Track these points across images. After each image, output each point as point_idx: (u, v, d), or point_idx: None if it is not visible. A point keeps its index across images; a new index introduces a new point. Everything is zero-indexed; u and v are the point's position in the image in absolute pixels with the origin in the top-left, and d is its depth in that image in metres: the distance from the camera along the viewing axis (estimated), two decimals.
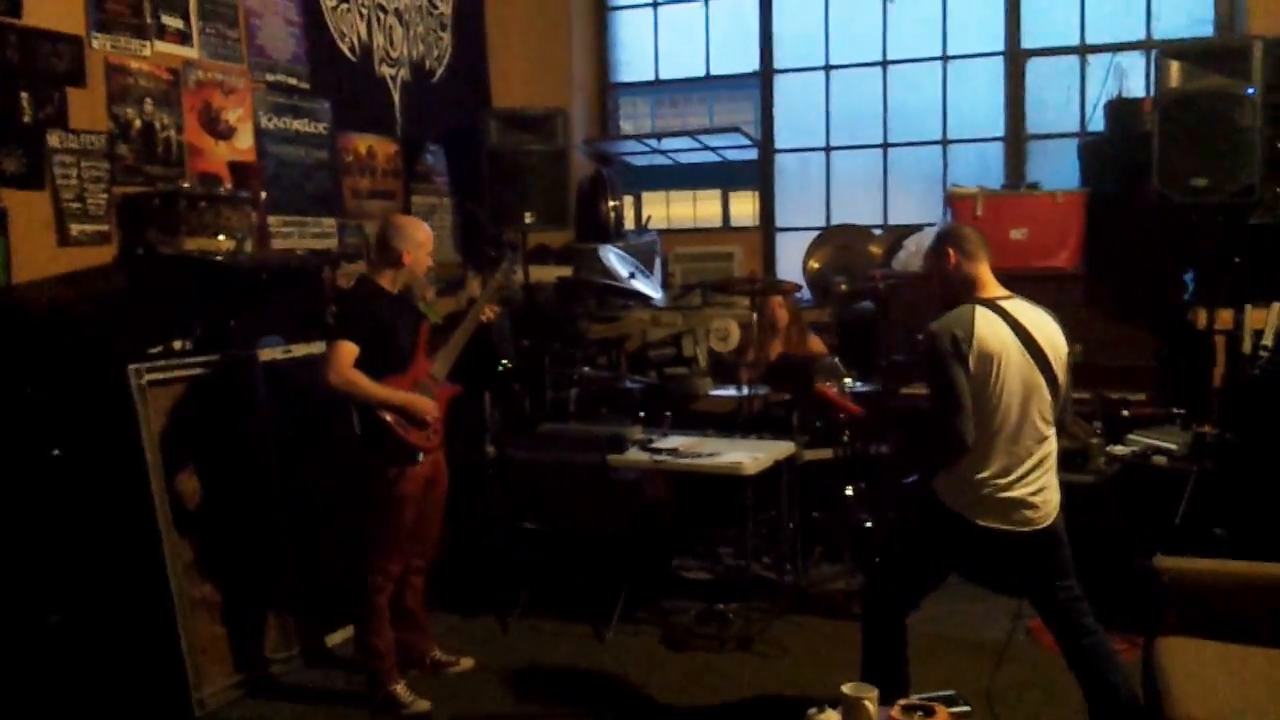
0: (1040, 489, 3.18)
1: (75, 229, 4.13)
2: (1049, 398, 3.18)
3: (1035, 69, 6.42)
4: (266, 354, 4.42)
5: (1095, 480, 4.47)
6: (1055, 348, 3.21)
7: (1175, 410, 4.76)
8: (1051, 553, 3.24)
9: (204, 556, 4.04)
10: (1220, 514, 4.16)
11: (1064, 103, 6.36)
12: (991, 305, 3.18)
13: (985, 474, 3.14)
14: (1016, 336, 3.14)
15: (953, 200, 5.72)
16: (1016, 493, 3.14)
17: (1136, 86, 6.01)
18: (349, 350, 3.73)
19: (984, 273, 3.28)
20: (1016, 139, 6.45)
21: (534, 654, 4.45)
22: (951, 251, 3.28)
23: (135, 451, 3.85)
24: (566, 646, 4.51)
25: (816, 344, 5.67)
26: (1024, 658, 4.08)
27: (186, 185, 4.40)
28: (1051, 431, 3.22)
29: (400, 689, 3.96)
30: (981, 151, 6.59)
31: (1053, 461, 3.23)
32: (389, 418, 3.80)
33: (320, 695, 4.10)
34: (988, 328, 3.12)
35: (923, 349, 3.21)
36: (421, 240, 3.97)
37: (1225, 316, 4.87)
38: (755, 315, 5.34)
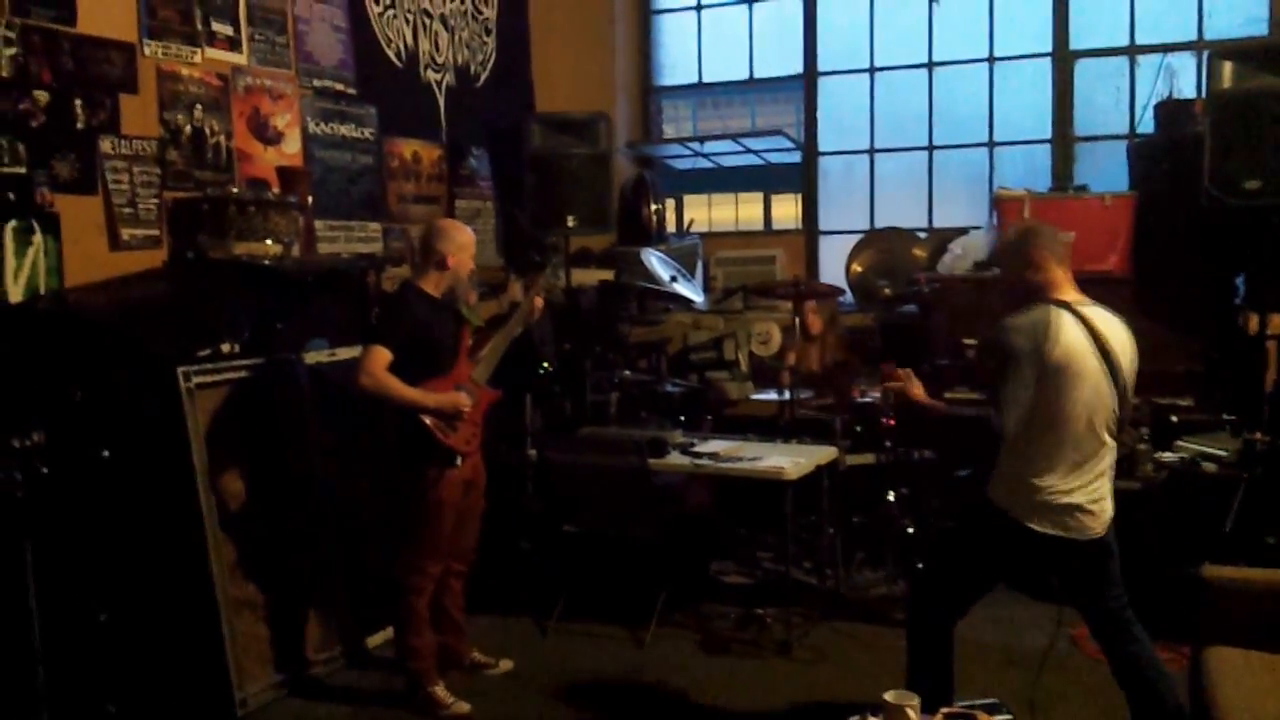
0: (1098, 497, 3.15)
1: (126, 233, 4.20)
2: (1114, 408, 3.13)
3: (1083, 70, 6.33)
4: (312, 357, 4.49)
5: (1143, 487, 4.41)
6: (1128, 360, 3.15)
7: (1225, 416, 4.68)
8: (1102, 562, 3.20)
9: (248, 557, 4.10)
10: (1271, 522, 4.09)
11: (1113, 104, 6.28)
12: (1071, 309, 3.11)
13: (1046, 481, 3.11)
14: (1093, 344, 3.08)
15: (1000, 203, 5.66)
16: (1075, 499, 3.11)
17: (1187, 87, 5.92)
18: (382, 355, 3.76)
19: (1063, 276, 3.20)
20: (1064, 141, 6.37)
21: (572, 657, 4.46)
22: (1034, 252, 3.19)
23: (182, 453, 3.92)
24: (604, 650, 4.52)
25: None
26: (1067, 666, 4.03)
27: (235, 190, 4.46)
28: (1112, 441, 3.17)
29: (440, 690, 3.99)
30: (1029, 154, 6.51)
31: (1111, 471, 3.19)
32: (428, 421, 3.83)
33: (361, 696, 4.15)
34: (1068, 332, 3.06)
35: (993, 338, 3.15)
36: (464, 243, 3.99)
37: (1277, 321, 4.78)
38: (796, 320, 5.32)
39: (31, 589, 3.29)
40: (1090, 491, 3.13)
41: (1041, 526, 3.13)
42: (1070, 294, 3.18)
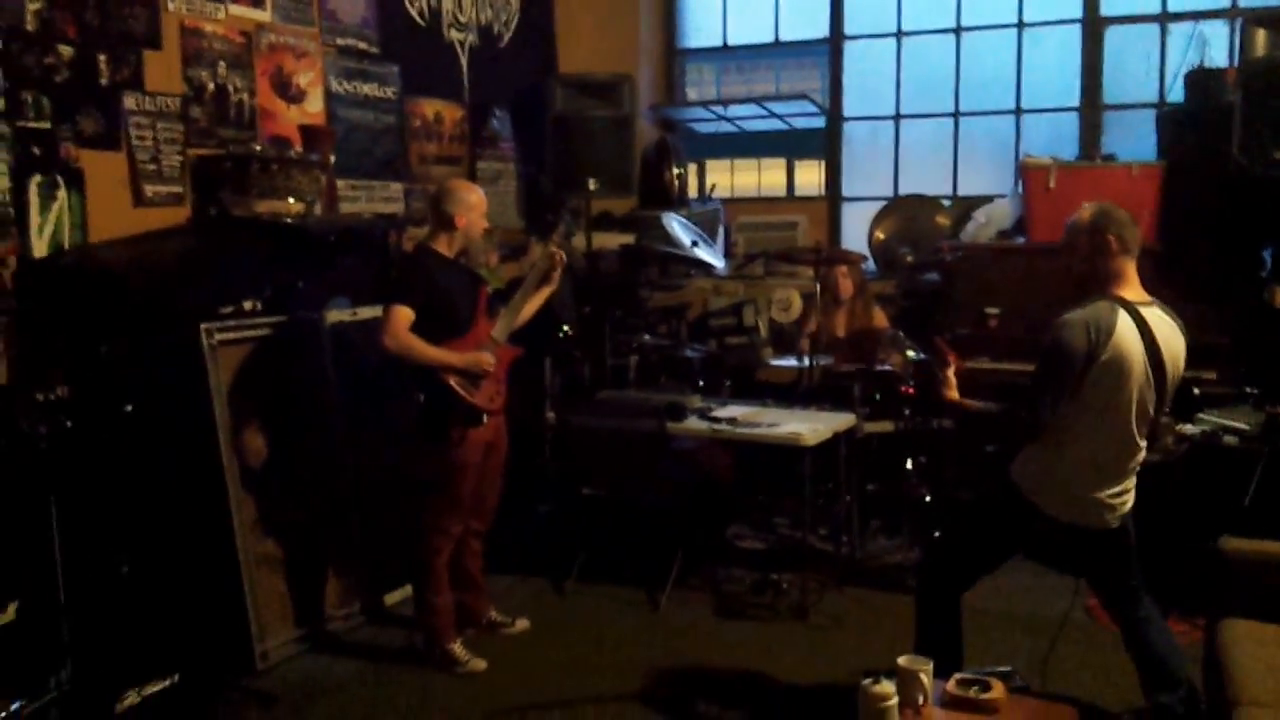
0: (1121, 492, 3.13)
1: (150, 190, 4.21)
2: (1152, 414, 3.09)
3: (1114, 37, 6.24)
4: (334, 316, 4.50)
5: (1163, 459, 4.37)
6: (1176, 367, 3.09)
7: (1248, 390, 4.64)
8: (1119, 548, 3.19)
9: (268, 513, 4.14)
10: None
11: (1143, 72, 6.19)
12: (1132, 310, 3.02)
13: (1073, 476, 3.09)
14: (1145, 350, 3.00)
15: (1026, 171, 5.60)
16: (1098, 494, 3.09)
17: (1219, 56, 5.82)
18: (404, 314, 3.77)
19: (1131, 269, 3.10)
20: (1092, 109, 6.29)
21: (588, 618, 4.50)
22: (1113, 240, 3.06)
23: (205, 409, 3.95)
24: (620, 612, 4.56)
25: (880, 318, 5.61)
26: (1081, 635, 4.03)
27: (258, 148, 4.46)
28: (1144, 443, 3.13)
29: (457, 647, 4.03)
30: (1055, 121, 6.44)
31: (1137, 469, 3.16)
32: (452, 380, 3.84)
33: (379, 652, 4.19)
34: (1126, 335, 2.98)
35: (1051, 335, 3.03)
36: (474, 203, 3.98)
37: None
38: (818, 286, 5.30)
39: (56, 541, 3.33)
40: (1115, 489, 3.11)
41: (1060, 515, 3.12)
42: (1133, 291, 3.09)
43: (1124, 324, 2.99)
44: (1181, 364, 3.13)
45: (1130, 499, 3.17)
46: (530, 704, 3.75)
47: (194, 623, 3.80)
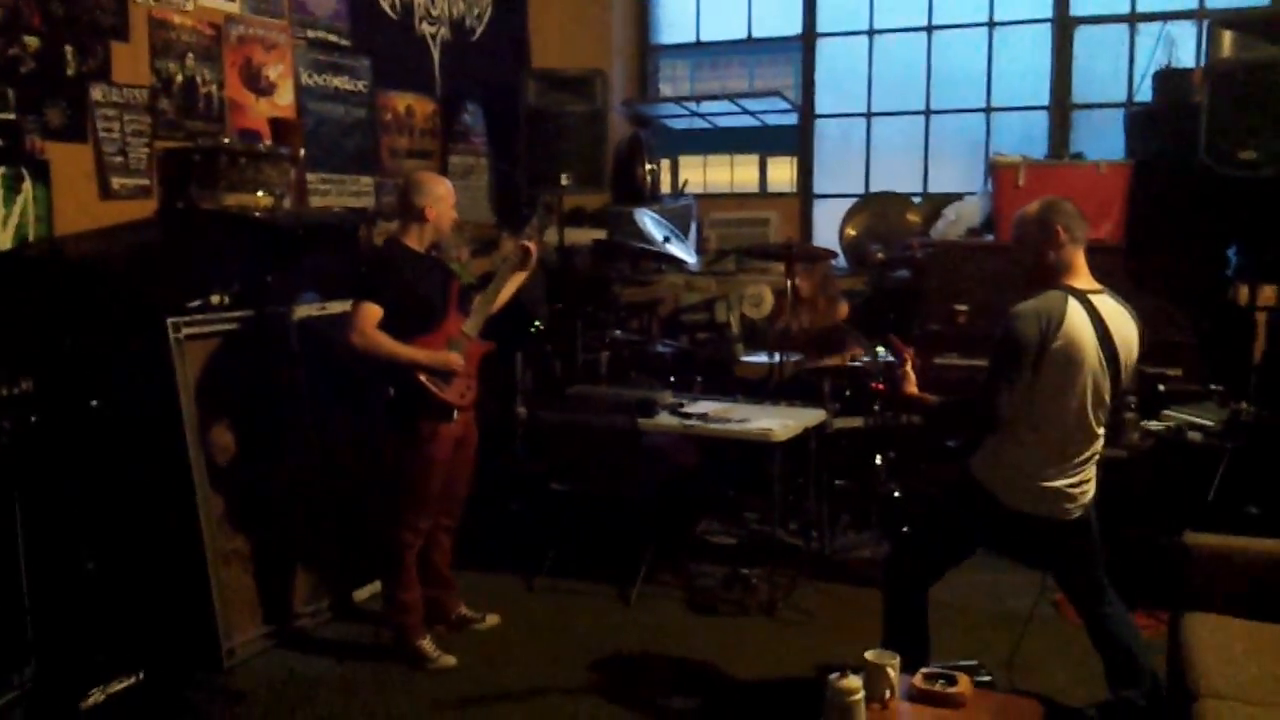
0: (1081, 481, 3.15)
1: (117, 182, 4.17)
2: (1108, 401, 3.13)
3: (1083, 37, 6.30)
4: (302, 310, 4.48)
5: (1128, 455, 4.43)
6: (1129, 353, 3.13)
7: (1213, 387, 4.70)
8: (1079, 539, 3.22)
9: (236, 509, 4.11)
10: (1255, 492, 4.11)
11: (1111, 72, 6.25)
12: (1083, 299, 3.07)
13: (1031, 466, 3.11)
14: (1097, 337, 3.04)
15: (995, 169, 5.64)
16: (1057, 484, 3.12)
17: (1186, 56, 5.89)
18: (372, 311, 3.76)
19: (1080, 259, 3.15)
20: (1062, 108, 6.35)
21: (559, 613, 4.50)
22: (1061, 231, 3.11)
23: (171, 404, 3.92)
24: (591, 607, 4.56)
25: (844, 313, 5.65)
26: (1048, 629, 4.07)
27: (227, 141, 4.43)
28: (1102, 431, 3.16)
29: (427, 644, 4.02)
30: (1026, 120, 6.49)
31: (1096, 457, 3.19)
32: (422, 376, 3.83)
33: (348, 648, 4.17)
34: (1077, 323, 3.02)
35: (1003, 326, 3.07)
36: (442, 194, 3.96)
37: (1268, 293, 4.80)
38: (789, 282, 5.31)
39: (20, 537, 3.30)
40: (1074, 478, 3.14)
41: (1021, 506, 3.15)
42: (1083, 280, 3.13)
43: (1075, 312, 3.03)
44: (1135, 350, 3.16)
45: (1090, 489, 3.19)
46: (500, 699, 3.74)
47: (160, 620, 3.77)
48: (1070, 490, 3.13)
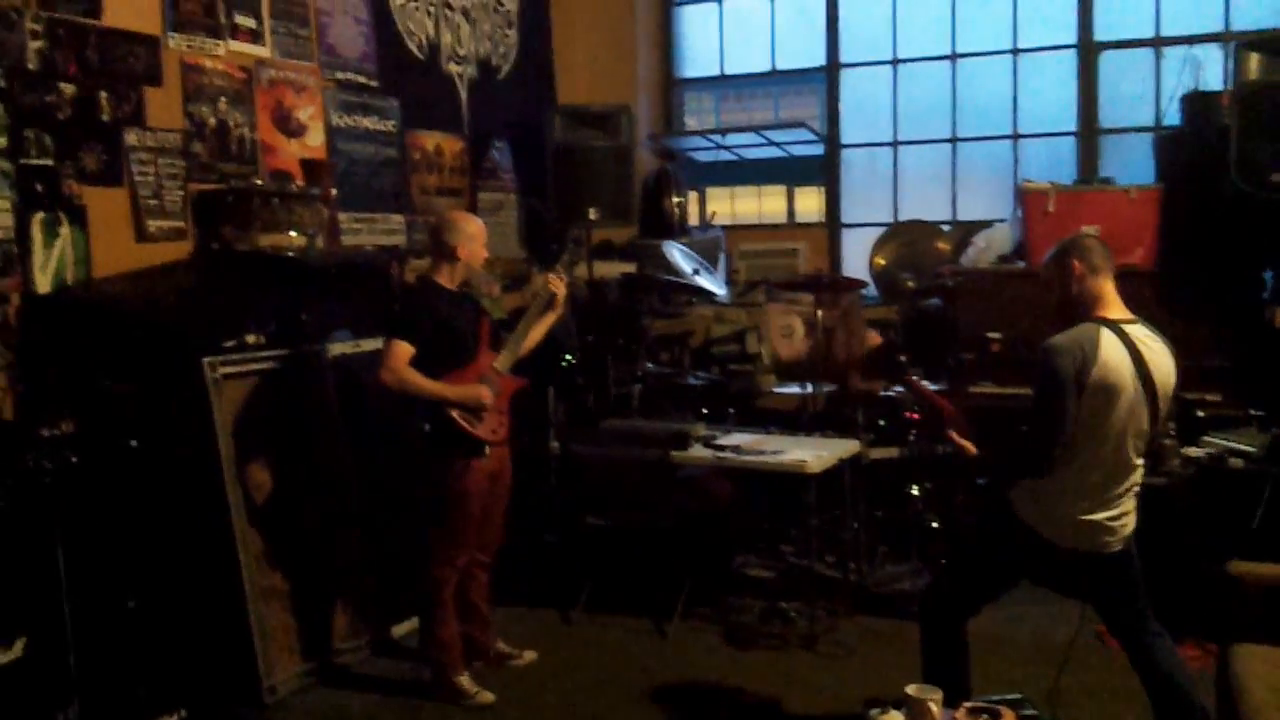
0: (1121, 514, 3.11)
1: (152, 225, 4.23)
2: (1147, 431, 3.08)
3: (1108, 62, 6.29)
4: (336, 348, 4.51)
5: (1169, 483, 4.37)
6: (1166, 384, 3.08)
7: (1253, 412, 4.64)
8: (1122, 572, 3.18)
9: (274, 547, 4.12)
10: None
11: (1138, 96, 6.23)
12: (1116, 329, 3.03)
13: (1071, 499, 3.07)
14: (1134, 367, 3.00)
15: (1024, 196, 5.61)
16: (1097, 517, 3.07)
17: (1213, 79, 5.86)
18: (403, 349, 3.78)
19: (1108, 289, 3.12)
20: (1089, 133, 6.33)
21: (596, 648, 4.47)
22: (1076, 264, 3.10)
23: (209, 443, 3.95)
24: (628, 642, 4.53)
25: (874, 339, 5.62)
26: (1090, 660, 4.01)
27: (259, 182, 4.48)
28: (1141, 463, 3.13)
29: (465, 680, 4.00)
30: (1053, 146, 6.47)
31: (1136, 489, 3.15)
32: (454, 412, 3.84)
33: (387, 685, 4.16)
34: (1111, 355, 2.98)
35: (1039, 363, 3.05)
36: (473, 233, 4.00)
37: None
38: (818, 312, 5.30)
39: (62, 576, 3.32)
40: (1113, 510, 3.09)
41: (1061, 541, 3.11)
42: (1115, 310, 3.10)
43: (1109, 342, 3.00)
44: (1172, 380, 3.11)
45: (1131, 522, 3.15)
46: None
47: (201, 657, 3.78)
48: (1109, 524, 3.09)
